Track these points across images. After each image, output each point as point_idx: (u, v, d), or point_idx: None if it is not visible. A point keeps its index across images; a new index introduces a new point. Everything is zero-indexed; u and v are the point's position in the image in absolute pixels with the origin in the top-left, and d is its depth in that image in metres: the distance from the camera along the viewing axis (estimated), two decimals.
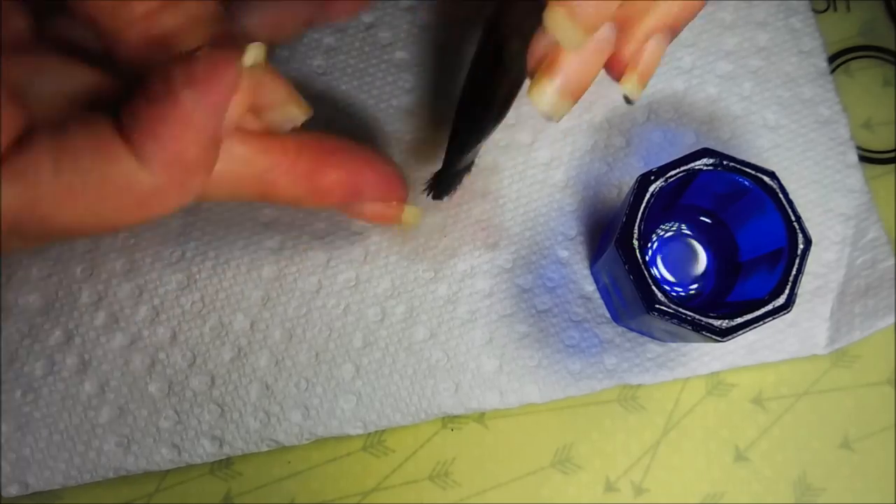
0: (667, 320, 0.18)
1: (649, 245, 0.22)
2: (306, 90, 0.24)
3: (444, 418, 0.22)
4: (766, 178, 0.19)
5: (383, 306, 0.22)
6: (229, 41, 0.16)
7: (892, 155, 0.25)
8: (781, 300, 0.18)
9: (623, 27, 0.17)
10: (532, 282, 0.23)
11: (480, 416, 0.23)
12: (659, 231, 0.22)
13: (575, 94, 0.17)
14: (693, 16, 0.18)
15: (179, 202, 0.16)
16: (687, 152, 0.19)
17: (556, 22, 0.16)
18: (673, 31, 0.19)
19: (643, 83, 0.18)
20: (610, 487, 0.22)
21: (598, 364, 0.22)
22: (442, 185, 0.21)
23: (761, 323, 0.18)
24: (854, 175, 0.24)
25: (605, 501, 0.22)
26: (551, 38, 0.16)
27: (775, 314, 0.18)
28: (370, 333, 0.22)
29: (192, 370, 0.22)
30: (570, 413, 0.23)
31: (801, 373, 0.23)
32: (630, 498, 0.22)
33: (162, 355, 0.22)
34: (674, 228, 0.23)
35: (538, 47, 0.17)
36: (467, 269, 0.23)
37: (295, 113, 0.18)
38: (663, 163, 0.19)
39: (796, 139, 0.24)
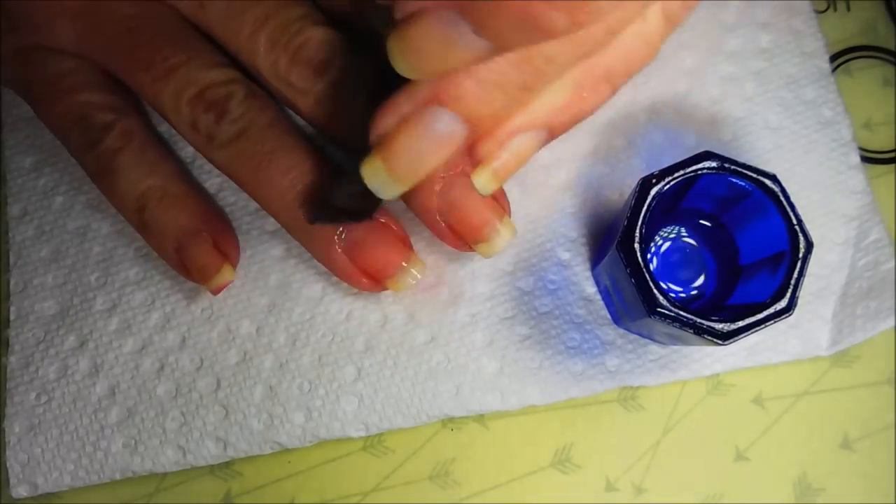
0: (668, 323, 0.18)
1: (650, 248, 0.21)
2: None
3: (443, 419, 0.22)
4: (767, 182, 0.18)
5: (385, 311, 0.22)
6: None
7: (892, 155, 0.24)
8: (783, 303, 0.18)
9: (480, 125, 0.15)
10: (533, 284, 0.22)
11: (480, 417, 0.22)
12: (660, 234, 0.22)
13: (405, 179, 0.15)
14: (574, 118, 0.16)
15: None
16: (688, 154, 0.18)
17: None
18: (551, 131, 0.16)
19: (497, 180, 0.16)
20: (610, 487, 0.22)
21: (600, 365, 0.21)
22: (323, 214, 0.18)
23: (763, 326, 0.18)
24: (856, 176, 0.23)
25: (604, 501, 0.21)
26: (396, 115, 0.14)
27: (777, 318, 0.18)
28: (372, 337, 0.21)
29: (199, 373, 0.21)
30: (570, 413, 0.22)
31: (800, 373, 0.22)
32: (630, 498, 0.21)
33: (171, 359, 0.21)
34: (675, 231, 0.22)
35: (382, 121, 0.15)
36: (468, 272, 0.22)
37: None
38: (665, 164, 0.18)
39: (798, 140, 0.23)
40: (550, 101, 0.15)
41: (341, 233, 0.19)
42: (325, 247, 0.19)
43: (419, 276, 0.19)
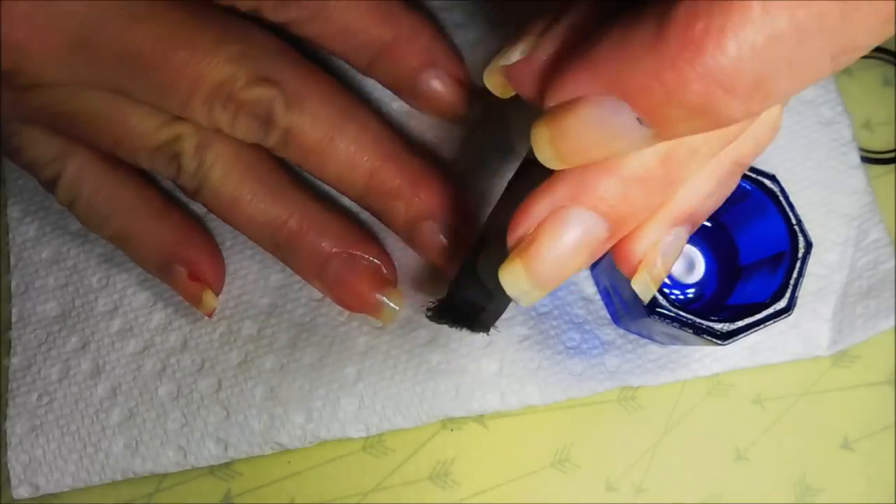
0: (667, 324, 0.18)
1: None
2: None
3: (443, 419, 0.22)
4: (767, 182, 0.18)
5: None
6: None
7: (892, 155, 0.24)
8: (783, 304, 0.18)
9: (623, 225, 0.14)
10: None
11: (480, 417, 0.22)
12: None
13: (546, 285, 0.14)
14: (713, 207, 0.15)
15: None
16: None
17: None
18: (694, 224, 0.15)
19: (655, 283, 0.15)
20: (610, 487, 0.21)
21: (600, 365, 0.21)
22: (449, 315, 0.17)
23: (762, 326, 0.18)
24: (856, 176, 0.23)
25: (604, 501, 0.21)
26: (536, 216, 0.14)
27: (776, 318, 0.18)
28: (372, 338, 0.21)
29: (201, 374, 0.21)
30: (570, 413, 0.22)
31: (800, 373, 0.22)
32: (630, 498, 0.21)
33: (172, 360, 0.21)
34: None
35: (521, 223, 0.14)
36: None
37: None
38: None
39: (798, 140, 0.23)
40: (694, 193, 0.14)
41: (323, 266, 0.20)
42: (309, 279, 0.20)
43: (396, 307, 0.20)
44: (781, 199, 0.18)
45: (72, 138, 0.19)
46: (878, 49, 0.25)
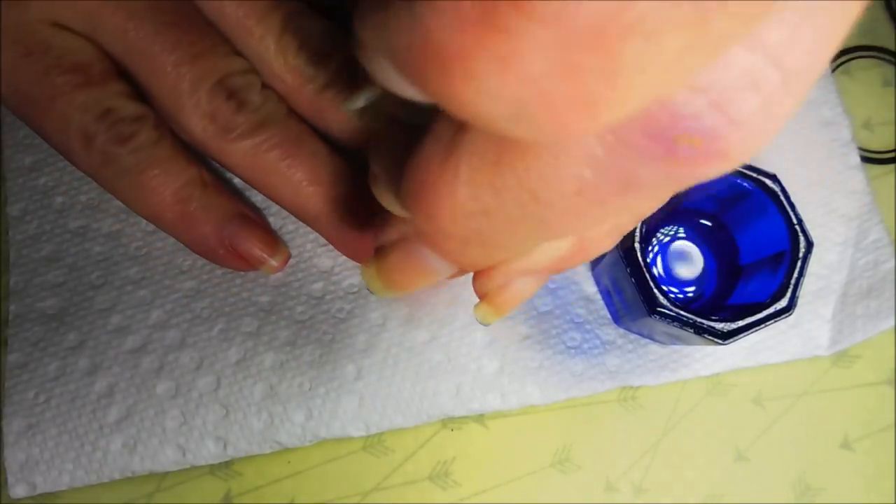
0: (668, 323, 0.18)
1: (651, 248, 0.21)
2: None
3: (444, 419, 0.22)
4: (767, 182, 0.18)
5: (385, 310, 0.21)
6: None
7: (892, 155, 0.24)
8: (783, 303, 0.18)
9: (467, 270, 0.14)
10: None
11: (480, 417, 0.22)
12: (660, 233, 0.21)
13: (397, 293, 0.15)
14: (583, 262, 0.15)
15: None
16: None
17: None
18: (553, 273, 0.15)
19: (497, 315, 0.15)
20: (610, 487, 0.21)
21: (601, 365, 0.21)
22: None
23: (763, 326, 0.17)
24: (856, 176, 0.23)
25: (604, 501, 0.21)
26: (389, 237, 0.15)
27: (777, 317, 0.18)
28: (372, 336, 0.21)
29: (199, 372, 0.21)
30: (570, 413, 0.22)
31: (800, 373, 0.22)
32: (630, 498, 0.21)
33: (171, 358, 0.21)
34: (675, 231, 0.22)
35: (382, 234, 0.15)
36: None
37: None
38: None
39: (798, 140, 0.23)
40: (553, 251, 0.14)
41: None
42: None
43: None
44: (782, 198, 0.18)
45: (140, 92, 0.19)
46: (878, 49, 0.25)
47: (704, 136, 0.08)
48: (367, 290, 0.18)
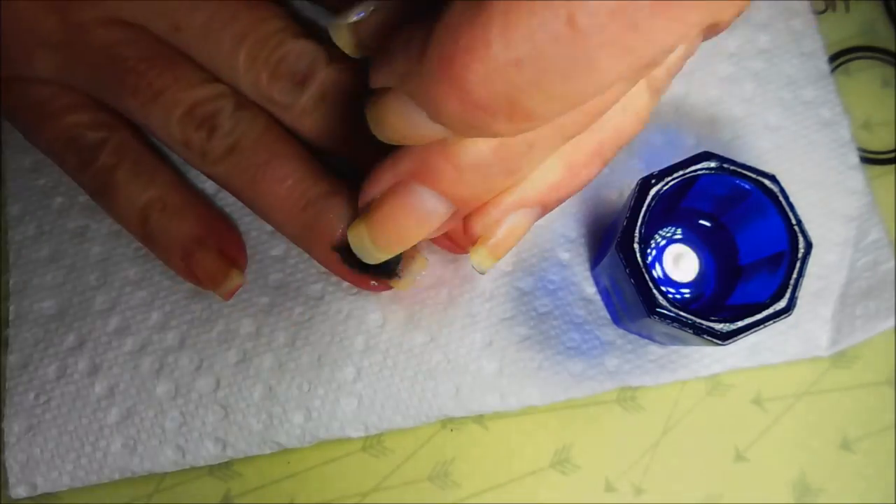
0: (668, 324, 0.18)
1: (650, 248, 0.21)
2: None
3: (443, 419, 0.22)
4: (767, 182, 0.18)
5: (384, 311, 0.21)
6: None
7: (891, 156, 0.24)
8: (783, 304, 0.18)
9: (464, 205, 0.15)
10: (533, 284, 0.22)
11: (479, 417, 0.22)
12: (659, 234, 0.21)
13: (390, 251, 0.15)
14: (569, 193, 0.16)
15: None
16: (688, 154, 0.18)
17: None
18: (544, 207, 0.16)
19: (494, 257, 0.16)
20: (609, 488, 0.21)
21: (600, 366, 0.21)
22: (355, 261, 0.19)
23: (762, 326, 0.17)
24: (855, 176, 0.23)
25: (604, 502, 0.21)
26: (380, 188, 0.15)
27: (776, 318, 0.18)
28: (371, 337, 0.21)
29: (199, 373, 0.21)
30: (570, 413, 0.22)
31: (800, 373, 0.22)
32: (629, 498, 0.21)
33: (170, 359, 0.21)
34: (674, 232, 0.22)
35: (368, 192, 0.15)
36: (467, 272, 0.22)
37: None
38: (664, 165, 0.18)
39: (797, 141, 0.23)
40: (542, 180, 0.15)
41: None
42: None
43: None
44: (781, 199, 0.18)
45: (115, 117, 0.20)
46: (878, 49, 0.25)
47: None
48: (347, 263, 0.18)
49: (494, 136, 0.12)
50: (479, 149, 0.13)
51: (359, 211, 0.15)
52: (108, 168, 0.20)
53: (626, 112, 0.15)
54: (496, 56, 0.10)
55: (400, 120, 0.13)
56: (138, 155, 0.20)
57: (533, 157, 0.14)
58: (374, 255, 0.16)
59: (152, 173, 0.20)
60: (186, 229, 0.20)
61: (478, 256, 0.16)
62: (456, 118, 0.11)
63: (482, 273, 0.16)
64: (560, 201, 0.16)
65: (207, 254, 0.20)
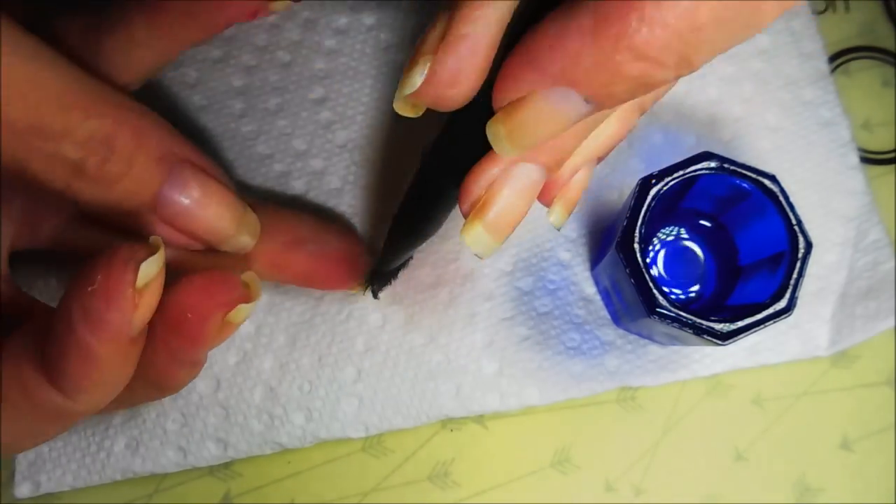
0: (668, 324, 0.18)
1: (650, 248, 0.21)
2: (308, 91, 0.23)
3: (443, 419, 0.22)
4: (767, 182, 0.18)
5: (384, 311, 0.21)
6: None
7: (891, 156, 0.24)
8: (783, 304, 0.18)
9: (556, 168, 0.16)
10: (532, 284, 0.22)
11: (480, 417, 0.22)
12: (660, 234, 0.21)
13: (504, 235, 0.16)
14: (617, 142, 0.17)
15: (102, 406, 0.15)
16: (688, 154, 0.18)
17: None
18: (599, 159, 0.18)
19: (568, 211, 0.17)
20: (609, 488, 0.21)
21: (600, 366, 0.21)
22: (378, 283, 0.20)
23: (762, 326, 0.17)
24: (855, 177, 0.23)
25: (604, 502, 0.21)
26: (485, 180, 0.15)
27: (776, 318, 0.17)
28: (372, 338, 0.21)
29: (199, 374, 0.21)
30: (570, 414, 0.22)
31: (800, 373, 0.22)
32: (629, 498, 0.21)
33: None
34: (674, 232, 0.22)
35: (473, 189, 0.15)
36: (468, 272, 0.22)
37: (245, 242, 0.17)
38: (664, 165, 0.18)
39: (797, 141, 0.23)
40: (604, 135, 0.16)
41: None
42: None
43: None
44: (781, 199, 0.18)
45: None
46: (878, 49, 0.25)
47: None
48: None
49: (653, 89, 0.12)
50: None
51: (463, 214, 0.16)
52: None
53: None
54: (679, 23, 0.11)
55: (548, 117, 0.13)
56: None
57: (609, 113, 0.15)
58: (492, 248, 0.16)
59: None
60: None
61: (556, 215, 0.17)
62: (629, 81, 0.12)
63: (481, 258, 0.17)
64: (608, 153, 0.18)
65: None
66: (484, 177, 0.15)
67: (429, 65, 0.14)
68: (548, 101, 0.13)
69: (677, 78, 0.12)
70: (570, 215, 0.18)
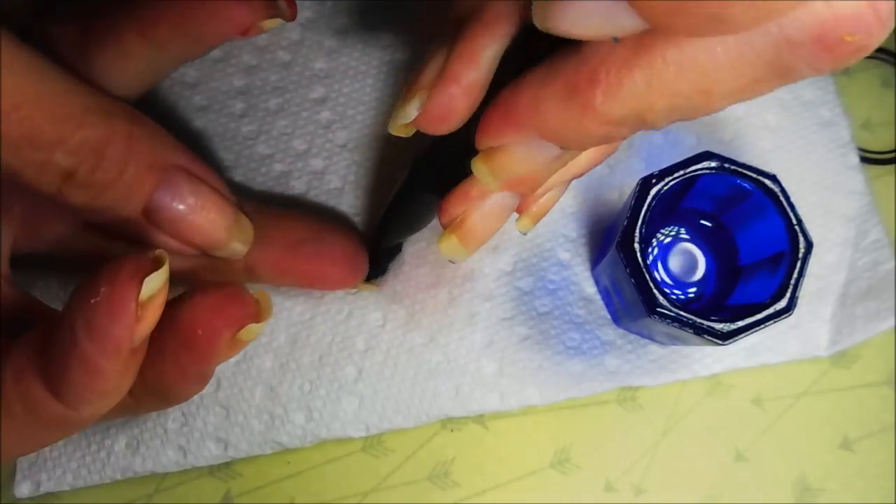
0: (668, 324, 0.18)
1: (650, 248, 0.21)
2: (309, 91, 0.23)
3: (443, 419, 0.22)
4: (767, 182, 0.18)
5: (385, 311, 0.21)
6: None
7: (891, 156, 0.24)
8: (783, 304, 0.18)
9: (531, 192, 0.17)
10: (533, 284, 0.22)
11: (480, 417, 0.22)
12: (660, 234, 0.21)
13: (476, 247, 0.18)
14: (595, 166, 0.18)
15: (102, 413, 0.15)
16: (688, 154, 0.18)
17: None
18: (574, 178, 0.19)
19: (535, 222, 0.19)
20: (609, 488, 0.21)
21: (600, 366, 0.21)
22: (373, 271, 0.21)
23: (762, 326, 0.17)
24: (855, 177, 0.23)
25: (604, 502, 0.21)
26: (463, 204, 0.17)
27: (777, 318, 0.17)
28: (372, 337, 0.21)
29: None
30: (570, 414, 0.22)
31: (800, 373, 0.22)
32: (629, 498, 0.21)
33: None
34: (675, 231, 0.22)
35: (451, 210, 0.17)
36: (468, 272, 0.22)
37: (238, 249, 0.18)
38: (665, 165, 0.18)
39: (797, 141, 0.23)
40: (583, 159, 0.17)
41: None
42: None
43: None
44: (782, 199, 0.18)
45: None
46: (878, 49, 0.25)
47: (861, 33, 0.10)
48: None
49: (621, 140, 0.14)
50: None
51: (442, 226, 0.17)
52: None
53: None
54: (635, 90, 0.12)
55: (524, 160, 0.15)
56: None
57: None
58: (464, 256, 0.18)
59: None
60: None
61: (524, 223, 0.19)
62: (600, 138, 0.13)
63: (453, 262, 0.19)
64: (586, 173, 0.18)
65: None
66: (463, 200, 0.17)
67: (423, 100, 0.15)
68: (524, 148, 0.14)
69: (635, 132, 0.13)
70: (535, 225, 0.19)
